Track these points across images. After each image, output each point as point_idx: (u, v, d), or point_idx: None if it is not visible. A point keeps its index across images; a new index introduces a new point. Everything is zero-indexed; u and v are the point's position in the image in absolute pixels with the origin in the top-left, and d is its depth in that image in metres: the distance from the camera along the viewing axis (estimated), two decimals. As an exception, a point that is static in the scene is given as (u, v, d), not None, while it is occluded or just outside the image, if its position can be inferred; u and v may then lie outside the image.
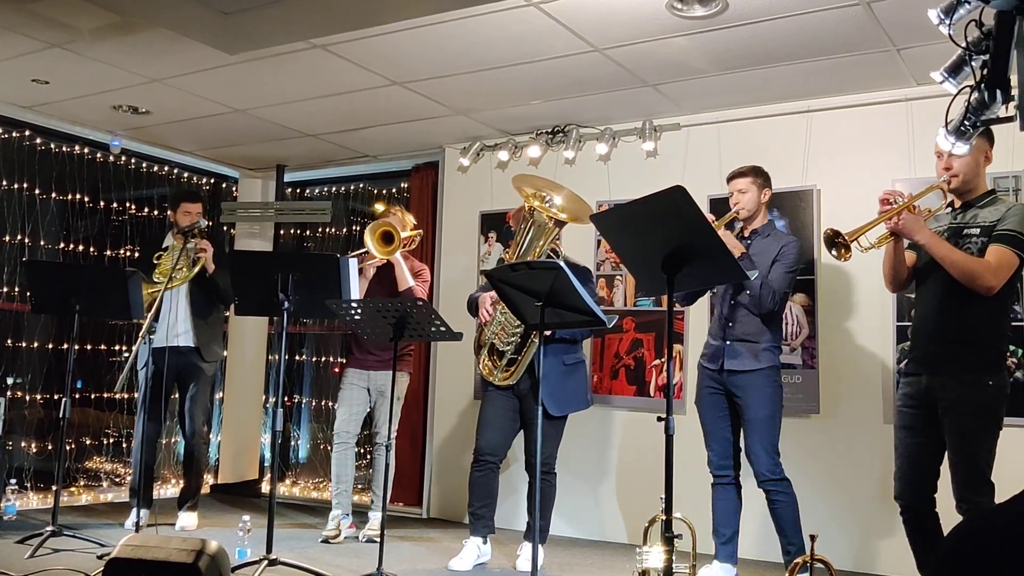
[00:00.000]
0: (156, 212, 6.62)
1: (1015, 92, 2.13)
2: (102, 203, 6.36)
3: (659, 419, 2.82)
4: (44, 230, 6.00)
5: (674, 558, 2.86)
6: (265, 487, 6.53)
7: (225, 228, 7.02)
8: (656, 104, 5.11)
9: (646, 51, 4.33)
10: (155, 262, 4.92)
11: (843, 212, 4.62)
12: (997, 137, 3.30)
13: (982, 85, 2.18)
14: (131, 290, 4.43)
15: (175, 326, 4.90)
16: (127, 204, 6.51)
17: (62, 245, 6.15)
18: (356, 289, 4.06)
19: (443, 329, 3.79)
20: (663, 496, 2.81)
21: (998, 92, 2.15)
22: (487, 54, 4.46)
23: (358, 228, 6.97)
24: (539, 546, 3.77)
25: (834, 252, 3.32)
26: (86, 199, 6.23)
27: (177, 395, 5.18)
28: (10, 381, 5.77)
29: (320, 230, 7.04)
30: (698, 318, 4.97)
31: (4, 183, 5.78)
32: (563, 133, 5.54)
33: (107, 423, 6.32)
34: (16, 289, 5.79)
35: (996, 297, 3.14)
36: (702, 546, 3.78)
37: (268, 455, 6.80)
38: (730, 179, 4.05)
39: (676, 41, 4.19)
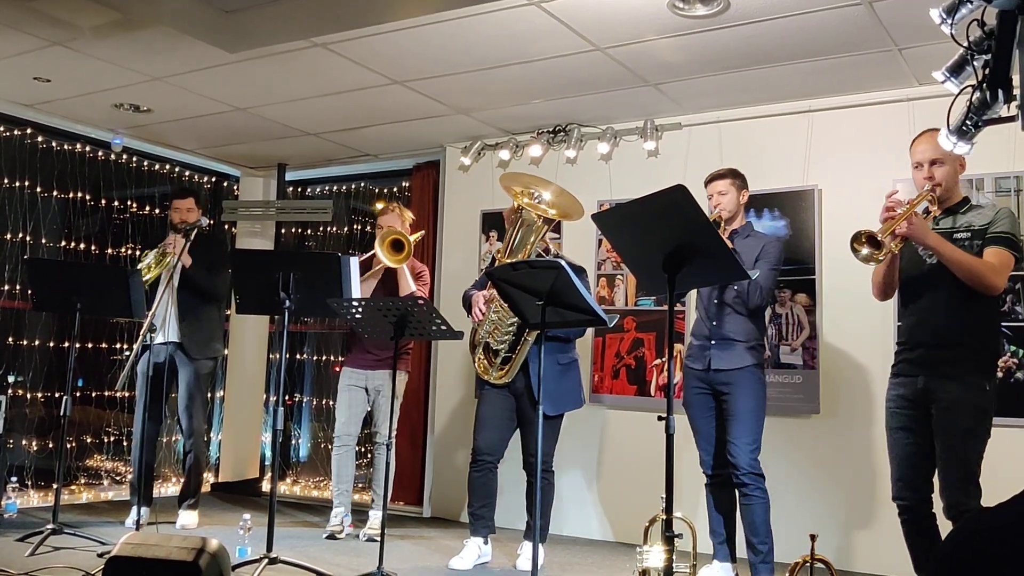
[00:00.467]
0: (157, 210, 6.62)
1: (1017, 92, 2.13)
2: (103, 201, 6.36)
3: (660, 418, 2.83)
4: (45, 228, 6.00)
5: (674, 558, 2.86)
6: (266, 486, 6.53)
7: (226, 227, 7.03)
8: (657, 103, 5.10)
9: (648, 50, 4.33)
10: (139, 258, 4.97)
11: (844, 212, 4.63)
12: (998, 137, 3.31)
13: (984, 85, 2.18)
14: (132, 288, 4.44)
15: (165, 324, 4.90)
16: (128, 202, 6.52)
17: (63, 243, 6.15)
18: (357, 288, 4.05)
19: (444, 328, 3.79)
20: (664, 496, 2.81)
21: (1000, 92, 2.14)
22: (488, 53, 4.46)
23: (359, 227, 6.98)
24: (539, 545, 3.77)
25: (864, 252, 3.19)
26: (87, 197, 6.23)
27: (176, 393, 5.19)
28: (11, 379, 5.78)
29: (321, 229, 7.04)
30: (699, 318, 4.97)
31: (6, 181, 5.79)
32: (564, 132, 5.54)
33: (108, 421, 6.33)
34: (17, 287, 5.79)
35: (992, 300, 3.21)
36: (702, 546, 3.78)
37: (269, 454, 6.80)
38: (708, 182, 4.06)
39: (678, 40, 4.19)
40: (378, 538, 3.89)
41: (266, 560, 3.72)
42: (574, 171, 5.56)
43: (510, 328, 4.16)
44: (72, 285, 4.46)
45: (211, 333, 5.08)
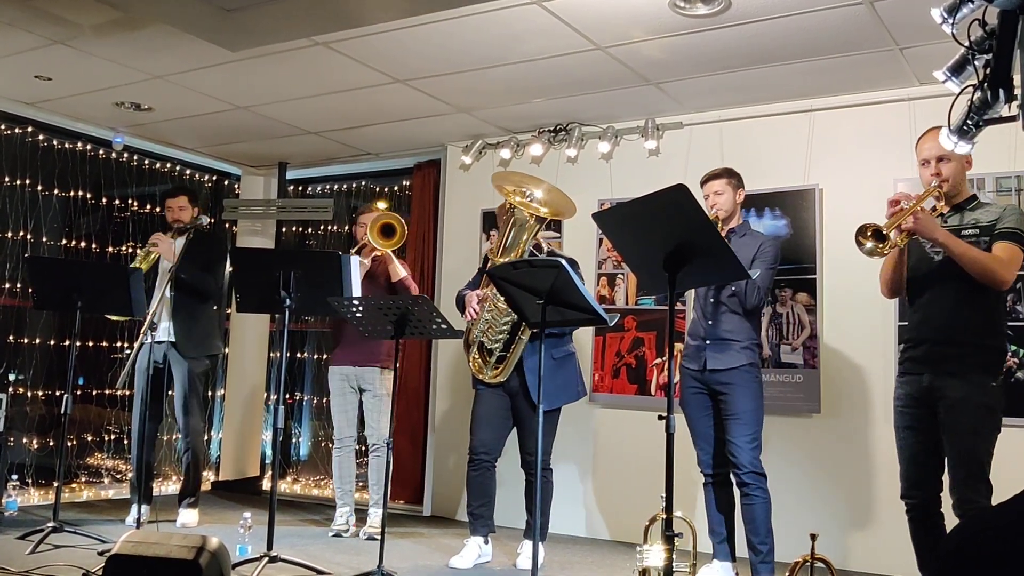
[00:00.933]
0: (158, 209, 6.60)
1: (1018, 92, 2.13)
2: (104, 200, 6.36)
3: (660, 418, 2.83)
4: (46, 226, 6.00)
5: (674, 557, 2.86)
6: (266, 484, 6.54)
7: (227, 225, 7.03)
8: (658, 103, 5.10)
9: (649, 49, 4.33)
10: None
11: (845, 212, 4.63)
12: (1000, 137, 3.31)
13: (985, 85, 2.18)
14: (133, 287, 4.43)
15: (160, 322, 4.90)
16: (129, 201, 6.52)
17: (64, 241, 6.16)
18: (358, 286, 4.06)
19: (444, 327, 3.79)
20: (664, 495, 2.81)
21: (1001, 92, 2.14)
22: (489, 52, 4.46)
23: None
24: (540, 544, 3.77)
25: (869, 245, 3.17)
26: (88, 196, 6.23)
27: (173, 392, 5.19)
28: (12, 377, 5.78)
29: (322, 228, 7.04)
30: (699, 317, 4.97)
31: (7, 179, 5.79)
32: (565, 131, 5.54)
33: (108, 419, 6.33)
34: (18, 285, 5.80)
35: (996, 298, 3.21)
36: (702, 545, 3.78)
37: (269, 452, 6.80)
38: (704, 182, 4.06)
39: (679, 39, 4.18)
40: (378, 537, 3.89)
41: (266, 558, 3.72)
42: (575, 170, 5.56)
43: (504, 327, 4.16)
44: (73, 283, 4.46)
45: (206, 332, 5.06)
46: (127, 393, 6.17)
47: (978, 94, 2.24)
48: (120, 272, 4.59)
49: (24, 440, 5.84)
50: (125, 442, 6.30)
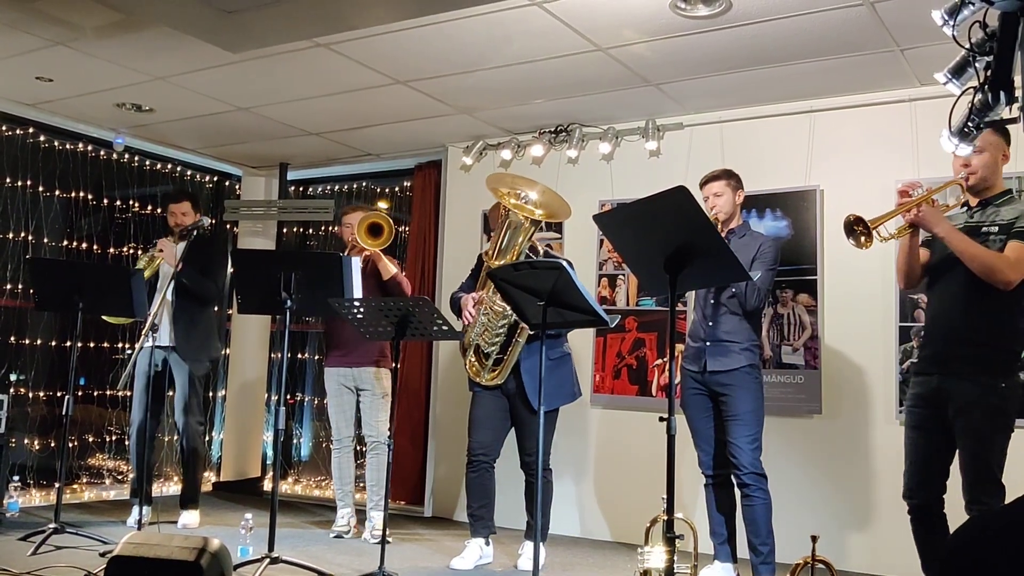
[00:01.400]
0: (159, 210, 6.62)
1: (1019, 94, 2.13)
2: (105, 201, 6.37)
3: (661, 419, 2.83)
4: (48, 227, 6.01)
5: (675, 558, 2.86)
6: (267, 485, 6.54)
7: (228, 226, 7.03)
8: (659, 104, 5.10)
9: (649, 50, 4.33)
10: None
11: (846, 213, 4.59)
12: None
13: (986, 87, 2.18)
14: (134, 288, 4.44)
15: (161, 325, 4.90)
16: (130, 202, 6.52)
17: (65, 243, 6.16)
18: (359, 288, 4.05)
19: (446, 328, 3.80)
20: (665, 496, 2.81)
21: (1002, 93, 2.14)
22: (490, 53, 4.46)
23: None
24: (541, 545, 3.77)
25: (852, 240, 3.23)
26: (90, 197, 6.23)
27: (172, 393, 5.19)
28: (13, 378, 5.78)
29: (323, 229, 7.04)
30: (700, 318, 4.96)
31: (8, 180, 5.79)
32: (566, 132, 5.54)
33: (109, 420, 6.34)
34: (20, 286, 5.80)
35: (1012, 298, 3.10)
36: (703, 546, 3.77)
37: (270, 453, 6.81)
38: (703, 183, 4.05)
39: (680, 40, 4.18)
40: (379, 538, 3.88)
41: (267, 560, 3.72)
42: (576, 171, 5.56)
43: (500, 330, 4.15)
44: (74, 284, 4.46)
45: (206, 336, 5.06)
46: (128, 394, 6.17)
47: (979, 96, 2.24)
48: (121, 273, 4.60)
49: (25, 441, 5.84)
50: (126, 443, 6.29)
